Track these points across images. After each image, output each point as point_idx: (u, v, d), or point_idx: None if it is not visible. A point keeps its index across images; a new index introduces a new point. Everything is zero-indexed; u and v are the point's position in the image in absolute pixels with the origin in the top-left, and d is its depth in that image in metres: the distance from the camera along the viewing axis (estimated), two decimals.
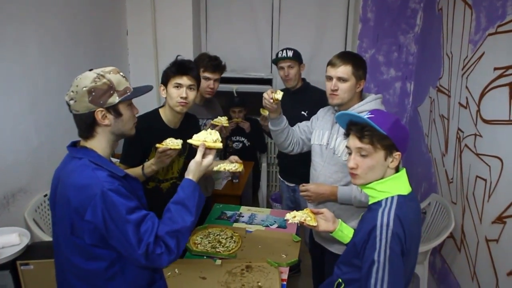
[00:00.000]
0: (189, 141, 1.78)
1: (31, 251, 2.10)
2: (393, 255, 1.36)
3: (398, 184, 1.52)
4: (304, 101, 2.91)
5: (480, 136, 2.42)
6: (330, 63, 2.09)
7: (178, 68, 2.16)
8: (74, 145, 1.48)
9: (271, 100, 2.12)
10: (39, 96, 2.70)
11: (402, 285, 1.38)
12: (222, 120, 2.55)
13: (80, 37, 3.15)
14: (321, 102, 2.82)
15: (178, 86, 2.15)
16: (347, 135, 1.59)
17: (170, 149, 1.99)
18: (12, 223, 2.40)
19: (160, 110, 2.27)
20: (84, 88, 1.36)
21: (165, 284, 1.65)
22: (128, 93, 1.42)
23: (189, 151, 2.33)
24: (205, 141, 1.60)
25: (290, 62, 2.88)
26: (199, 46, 4.23)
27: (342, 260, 1.63)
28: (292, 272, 2.96)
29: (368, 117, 1.50)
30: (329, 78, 2.08)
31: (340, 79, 2.03)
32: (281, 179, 3.19)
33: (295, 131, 2.38)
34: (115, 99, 1.38)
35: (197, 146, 1.61)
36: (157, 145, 1.99)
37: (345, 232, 1.77)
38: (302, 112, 2.86)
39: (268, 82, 4.19)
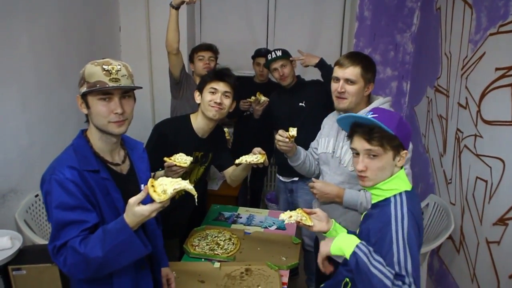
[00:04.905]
0: (165, 158, 1.83)
1: (23, 255, 2.02)
2: (411, 243, 1.36)
3: (403, 181, 1.52)
4: (300, 93, 2.92)
5: (481, 137, 2.40)
6: (338, 63, 1.99)
7: (216, 73, 2.15)
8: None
9: (287, 140, 2.03)
10: (30, 93, 2.62)
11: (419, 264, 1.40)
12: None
13: (71, 33, 3.07)
14: (316, 89, 2.87)
15: (214, 91, 2.12)
16: (350, 136, 1.55)
17: (176, 165, 1.87)
18: (2, 225, 2.33)
19: (192, 116, 2.23)
20: None
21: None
22: (97, 87, 1.36)
23: (210, 162, 2.31)
24: (153, 186, 1.30)
25: (281, 61, 2.89)
26: (193, 43, 4.16)
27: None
28: (290, 275, 2.92)
29: (372, 117, 1.48)
30: (336, 80, 1.98)
31: (348, 81, 1.93)
32: (279, 176, 3.13)
33: (312, 156, 2.31)
34: (83, 89, 1.40)
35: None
36: (165, 158, 1.90)
37: (339, 231, 1.75)
38: (300, 104, 2.89)
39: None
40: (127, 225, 1.27)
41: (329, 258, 2.23)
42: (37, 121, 2.68)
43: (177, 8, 2.72)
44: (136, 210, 1.26)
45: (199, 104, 2.18)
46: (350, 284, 1.55)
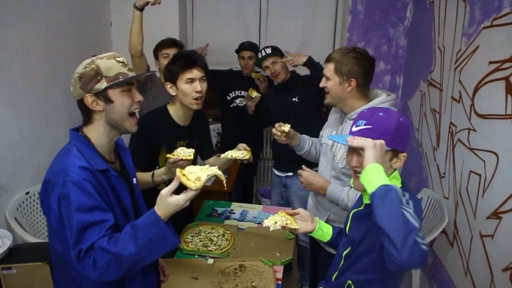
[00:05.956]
0: (168, 155, 1.83)
1: (13, 254, 1.98)
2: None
3: (398, 181, 1.48)
4: (294, 89, 2.91)
5: (474, 130, 2.39)
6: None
7: (186, 61, 2.07)
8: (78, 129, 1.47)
9: (279, 133, 2.10)
10: (19, 89, 2.57)
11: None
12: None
13: (62, 28, 3.02)
14: (308, 84, 2.85)
15: (191, 80, 2.06)
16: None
17: (182, 159, 1.86)
18: None
19: (169, 107, 2.18)
20: (76, 75, 1.37)
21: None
22: (120, 79, 1.35)
23: (197, 149, 2.27)
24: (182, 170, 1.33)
25: (272, 58, 2.87)
26: (185, 38, 4.13)
27: (352, 261, 1.56)
28: (284, 270, 2.91)
29: (365, 128, 1.41)
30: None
31: (325, 76, 1.97)
32: (274, 170, 3.13)
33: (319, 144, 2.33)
34: (102, 85, 1.34)
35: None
36: (168, 155, 1.88)
37: (325, 230, 1.74)
38: (294, 99, 2.88)
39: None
40: (159, 218, 1.28)
41: (321, 258, 2.23)
42: (27, 117, 2.64)
43: (141, 9, 2.69)
44: (170, 201, 1.28)
45: (174, 96, 2.13)
46: (353, 286, 1.52)
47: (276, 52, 2.89)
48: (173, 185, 1.29)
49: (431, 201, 2.88)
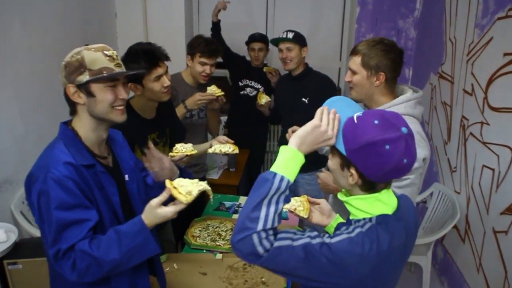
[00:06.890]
0: (170, 154, 1.83)
1: (19, 248, 1.96)
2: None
3: (383, 204, 1.20)
4: (305, 87, 2.79)
5: (487, 124, 2.34)
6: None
7: (149, 60, 1.93)
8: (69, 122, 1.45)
9: None
10: (24, 81, 2.54)
11: None
12: (214, 89, 2.51)
13: (66, 19, 2.97)
14: (323, 88, 2.72)
15: (159, 77, 1.96)
16: None
17: (187, 155, 1.88)
18: None
19: (132, 102, 2.07)
20: (63, 63, 1.34)
21: None
22: (104, 74, 1.30)
23: (170, 138, 2.20)
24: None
25: (289, 44, 2.74)
26: (191, 28, 4.09)
27: None
28: None
29: (356, 117, 1.18)
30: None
31: (351, 70, 1.82)
32: None
33: None
34: (84, 77, 1.30)
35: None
36: (170, 153, 1.86)
37: None
38: (303, 99, 2.76)
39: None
40: (146, 227, 1.30)
41: None
42: (32, 110, 2.61)
43: (189, 110, 2.53)
44: (158, 212, 1.30)
45: (139, 94, 2.03)
46: None
47: (297, 40, 2.75)
48: (163, 197, 1.30)
49: (442, 196, 2.83)
